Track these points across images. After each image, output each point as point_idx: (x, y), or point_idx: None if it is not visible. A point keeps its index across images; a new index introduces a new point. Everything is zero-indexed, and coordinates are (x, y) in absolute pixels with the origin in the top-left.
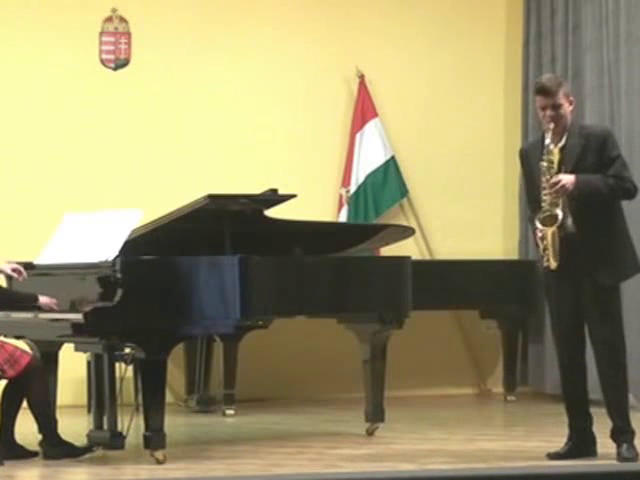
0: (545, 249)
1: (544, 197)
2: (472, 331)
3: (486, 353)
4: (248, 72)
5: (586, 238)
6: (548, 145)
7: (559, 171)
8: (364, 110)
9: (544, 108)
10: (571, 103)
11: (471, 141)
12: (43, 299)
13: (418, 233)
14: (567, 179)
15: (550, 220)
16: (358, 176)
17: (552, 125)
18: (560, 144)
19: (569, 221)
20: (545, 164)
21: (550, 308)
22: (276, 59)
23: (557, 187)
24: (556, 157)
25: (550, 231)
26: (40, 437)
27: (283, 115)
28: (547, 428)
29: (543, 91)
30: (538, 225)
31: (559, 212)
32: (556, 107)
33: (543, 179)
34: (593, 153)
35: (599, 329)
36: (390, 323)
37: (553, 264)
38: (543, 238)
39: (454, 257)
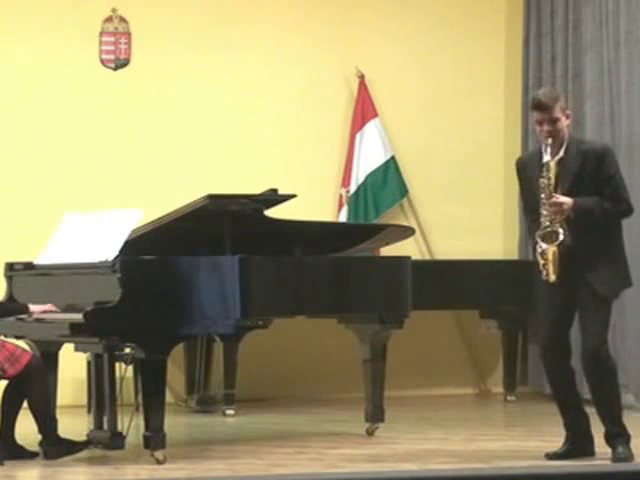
0: (545, 264)
1: (544, 213)
2: (472, 331)
3: (486, 353)
4: (248, 72)
5: (585, 251)
6: (548, 162)
7: (557, 185)
8: (364, 110)
9: (541, 123)
10: (568, 117)
11: (471, 141)
12: (34, 308)
13: (418, 233)
14: (566, 202)
15: (551, 237)
16: (358, 176)
17: (550, 140)
18: (557, 157)
19: (567, 235)
20: (545, 181)
21: (541, 315)
22: (276, 59)
23: (555, 209)
24: (553, 170)
25: (551, 249)
26: (40, 437)
27: (283, 115)
28: (547, 428)
29: (540, 106)
30: (539, 242)
31: (560, 230)
32: (553, 122)
33: (543, 195)
34: (591, 170)
35: (589, 337)
36: (390, 323)
37: (552, 277)
38: (543, 254)
39: (454, 257)
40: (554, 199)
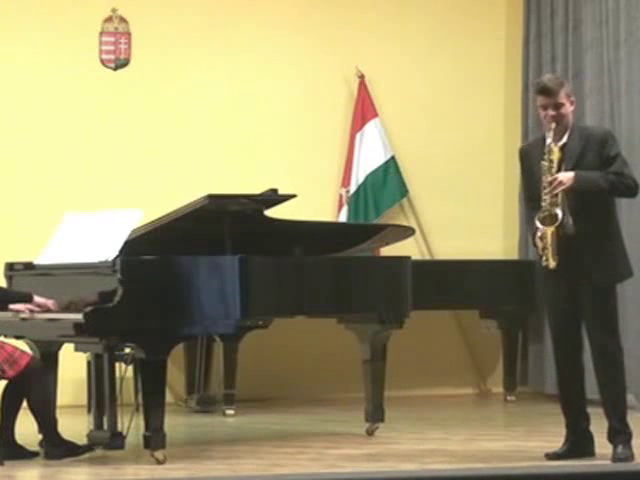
0: (544, 248)
1: (544, 196)
2: (472, 331)
3: (486, 353)
4: (248, 72)
5: (585, 239)
6: (549, 144)
7: (559, 169)
8: (364, 110)
9: (545, 108)
10: (572, 103)
11: (471, 141)
12: (38, 299)
13: (418, 233)
14: (564, 175)
15: (550, 219)
16: (358, 176)
17: (554, 125)
18: (561, 143)
19: (569, 221)
20: (546, 163)
21: (547, 307)
22: (276, 59)
23: (555, 184)
24: (556, 155)
25: (550, 231)
26: (40, 437)
27: (283, 115)
28: (547, 428)
29: (545, 91)
30: (538, 224)
31: (559, 212)
32: (557, 107)
33: (544, 178)
34: (593, 153)
35: (595, 332)
36: (390, 323)
37: (552, 263)
38: (542, 237)
39: (454, 257)
40: (551, 177)
